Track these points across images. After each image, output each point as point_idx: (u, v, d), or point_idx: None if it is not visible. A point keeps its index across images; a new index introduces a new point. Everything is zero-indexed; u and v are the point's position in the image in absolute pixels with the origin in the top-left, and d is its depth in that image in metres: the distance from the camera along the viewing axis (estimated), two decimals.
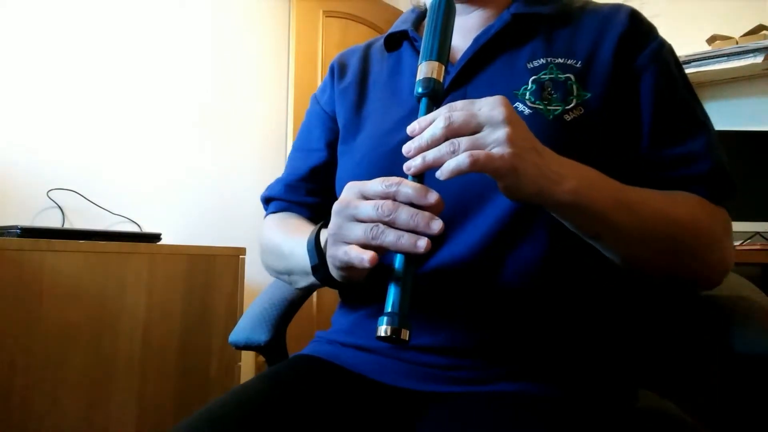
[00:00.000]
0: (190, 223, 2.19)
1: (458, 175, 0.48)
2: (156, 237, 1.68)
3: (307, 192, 0.82)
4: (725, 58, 1.91)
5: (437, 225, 0.48)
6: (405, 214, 0.49)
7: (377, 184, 0.51)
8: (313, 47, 2.64)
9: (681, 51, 1.96)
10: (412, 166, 0.50)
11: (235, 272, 1.78)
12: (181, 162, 2.19)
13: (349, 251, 0.51)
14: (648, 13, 0.70)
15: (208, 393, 1.67)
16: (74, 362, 1.38)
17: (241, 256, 1.80)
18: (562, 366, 0.62)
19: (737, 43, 1.92)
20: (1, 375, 1.26)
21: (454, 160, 0.48)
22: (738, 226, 1.76)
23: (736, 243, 1.74)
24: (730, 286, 0.71)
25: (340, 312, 0.75)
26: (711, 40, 2.00)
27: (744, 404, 0.68)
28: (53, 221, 1.81)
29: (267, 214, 0.85)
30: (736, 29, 1.98)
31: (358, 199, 0.52)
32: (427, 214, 0.49)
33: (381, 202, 0.50)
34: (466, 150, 0.48)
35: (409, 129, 0.52)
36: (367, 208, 0.51)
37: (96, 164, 1.93)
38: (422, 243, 0.48)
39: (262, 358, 0.85)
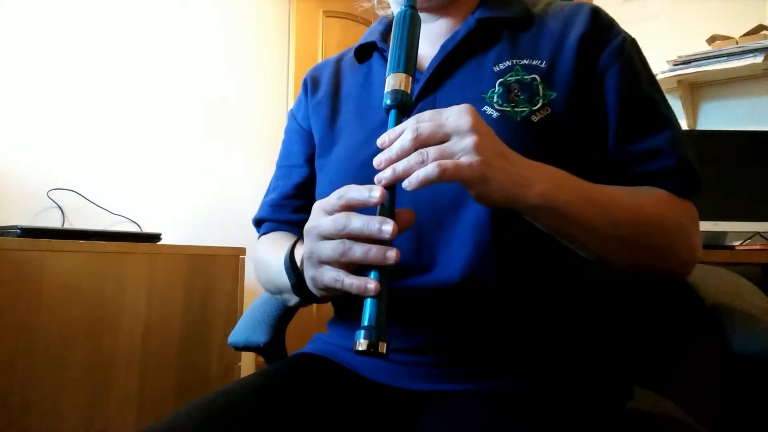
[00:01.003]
0: (190, 223, 2.19)
1: (427, 185, 0.48)
2: (156, 237, 1.68)
3: (293, 210, 0.82)
4: (725, 58, 1.91)
5: (388, 228, 0.49)
6: (358, 222, 0.50)
7: (333, 198, 0.52)
8: (313, 47, 2.64)
9: (681, 51, 1.97)
10: (383, 178, 0.51)
11: (235, 272, 1.78)
12: (181, 162, 2.19)
13: (342, 278, 0.51)
14: (648, 12, 0.70)
15: (208, 393, 1.67)
16: (74, 362, 1.38)
17: (241, 256, 1.80)
18: (557, 363, 0.62)
19: (737, 43, 1.92)
20: (1, 375, 1.26)
21: (423, 170, 0.48)
22: (738, 226, 1.76)
23: (736, 243, 1.74)
24: (730, 287, 0.71)
25: (335, 318, 0.76)
26: (711, 40, 2.00)
27: (743, 404, 0.68)
28: (53, 221, 1.81)
29: (259, 236, 0.85)
30: (736, 29, 1.98)
31: (321, 216, 0.53)
32: (377, 217, 0.49)
33: (336, 215, 0.51)
34: (434, 160, 0.49)
35: (379, 141, 0.53)
36: (327, 224, 0.52)
37: (96, 164, 1.93)
38: (391, 254, 0.49)
39: (262, 358, 0.86)
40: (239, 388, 0.61)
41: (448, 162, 0.48)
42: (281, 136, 0.88)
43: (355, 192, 0.51)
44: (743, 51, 1.88)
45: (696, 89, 2.15)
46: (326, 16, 2.70)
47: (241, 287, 1.79)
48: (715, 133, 1.85)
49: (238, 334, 0.84)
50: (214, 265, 1.72)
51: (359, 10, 0.89)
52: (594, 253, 0.60)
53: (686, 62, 1.97)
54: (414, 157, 0.50)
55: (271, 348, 0.83)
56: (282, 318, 0.85)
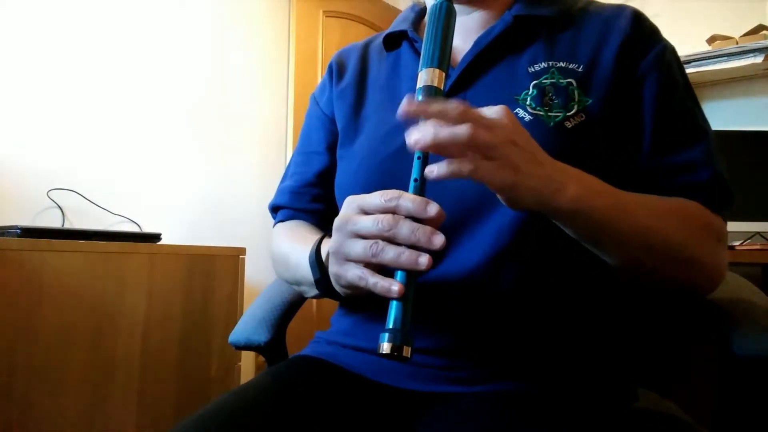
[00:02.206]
0: (190, 223, 2.19)
1: (453, 179, 0.47)
2: (156, 237, 1.68)
3: (312, 198, 0.81)
4: (725, 58, 1.91)
5: (439, 240, 0.47)
6: (406, 229, 0.48)
7: (376, 198, 0.50)
8: (313, 47, 2.64)
9: (681, 51, 1.96)
10: (421, 138, 0.47)
11: (235, 272, 1.78)
12: (182, 162, 2.19)
13: (367, 277, 0.50)
14: (648, 12, 0.70)
15: (208, 393, 1.67)
16: (74, 362, 1.38)
17: (241, 256, 1.80)
18: (560, 366, 0.62)
19: (737, 43, 1.92)
20: (1, 375, 1.26)
21: (457, 163, 0.46)
22: (738, 226, 1.76)
23: (736, 243, 1.74)
24: (730, 287, 0.71)
25: (339, 313, 0.75)
26: (711, 40, 2.00)
27: (744, 405, 0.68)
28: (53, 221, 1.81)
29: (275, 223, 0.85)
30: (736, 29, 1.98)
31: (357, 214, 0.52)
32: (428, 228, 0.48)
33: (381, 216, 0.49)
34: (475, 139, 0.46)
35: (405, 110, 0.49)
36: (367, 224, 0.50)
37: (96, 164, 1.93)
38: (423, 260, 0.47)
39: (262, 358, 0.85)
40: (242, 394, 0.60)
41: (485, 163, 0.46)
42: (281, 136, 0.87)
43: (410, 203, 0.48)
44: (743, 51, 1.88)
45: (696, 89, 2.15)
46: (326, 16, 2.70)
47: (241, 287, 1.79)
48: (715, 133, 1.85)
49: (238, 333, 0.84)
50: (214, 265, 1.72)
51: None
52: (619, 261, 0.59)
53: (686, 62, 1.97)
54: (461, 129, 0.46)
55: (272, 347, 0.83)
56: (282, 317, 0.85)
